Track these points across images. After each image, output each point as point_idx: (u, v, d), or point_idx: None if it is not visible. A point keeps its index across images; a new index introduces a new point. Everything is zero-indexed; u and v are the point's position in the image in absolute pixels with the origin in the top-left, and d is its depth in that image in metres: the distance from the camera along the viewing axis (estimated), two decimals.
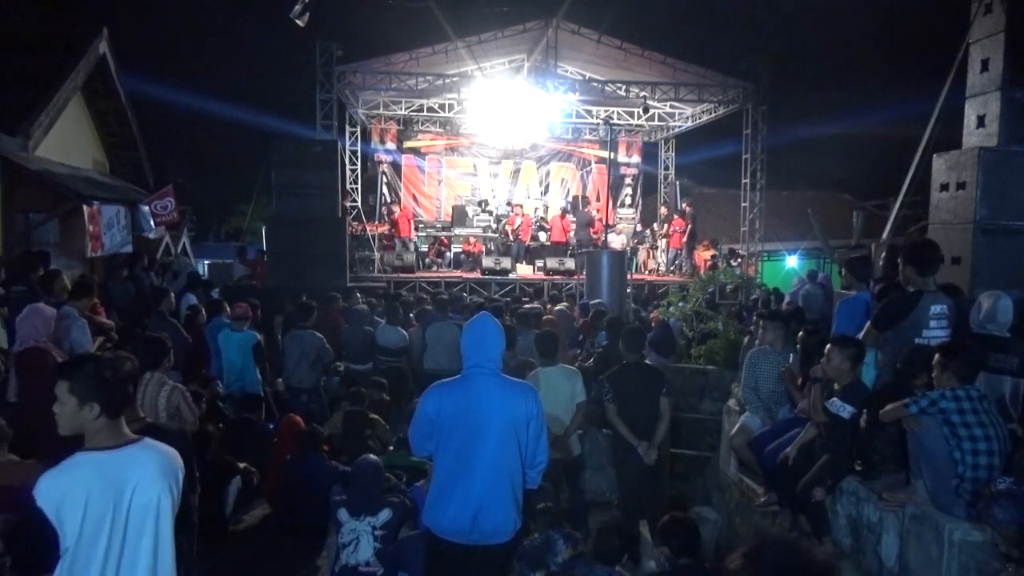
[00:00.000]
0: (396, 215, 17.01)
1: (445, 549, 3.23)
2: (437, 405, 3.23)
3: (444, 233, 17.23)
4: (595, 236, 16.03)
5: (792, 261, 19.55)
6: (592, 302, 9.26)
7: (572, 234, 16.70)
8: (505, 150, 19.11)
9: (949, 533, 3.34)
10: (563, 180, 19.60)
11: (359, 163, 17.21)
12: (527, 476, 3.31)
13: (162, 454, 2.41)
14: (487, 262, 15.12)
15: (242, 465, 5.60)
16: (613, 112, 17.80)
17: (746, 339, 8.14)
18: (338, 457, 5.57)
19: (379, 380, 7.15)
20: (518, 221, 16.42)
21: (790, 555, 1.27)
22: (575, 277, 14.47)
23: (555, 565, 3.83)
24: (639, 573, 4.64)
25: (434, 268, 16.38)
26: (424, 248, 17.06)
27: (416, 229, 17.07)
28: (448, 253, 17.08)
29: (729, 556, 1.35)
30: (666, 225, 17.15)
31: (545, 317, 8.65)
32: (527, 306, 9.44)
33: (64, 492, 2.21)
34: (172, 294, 7.72)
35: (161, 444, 2.46)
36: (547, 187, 19.45)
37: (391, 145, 18.64)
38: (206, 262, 20.63)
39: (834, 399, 4.10)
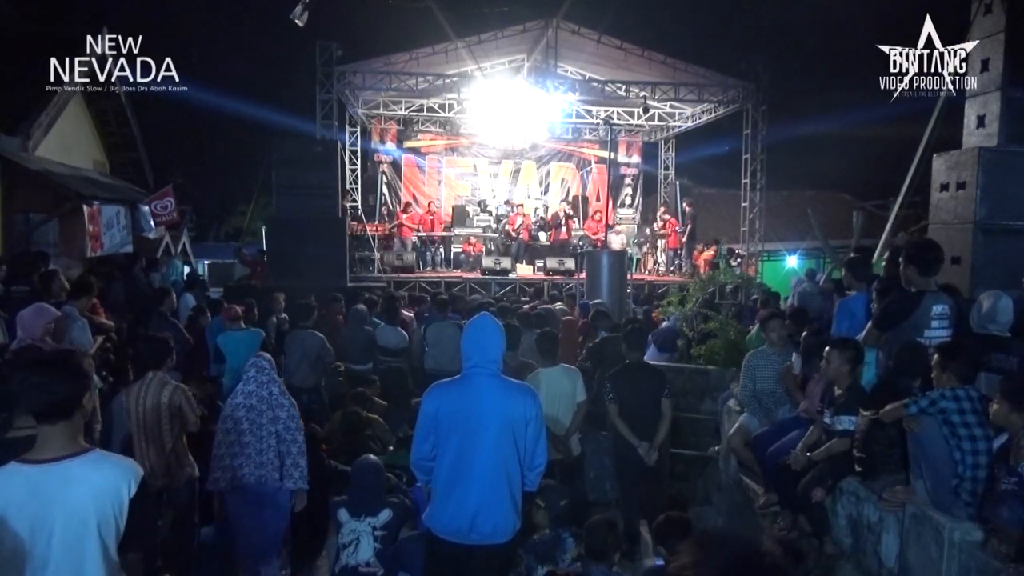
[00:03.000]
0: (404, 218, 16.90)
1: (445, 549, 3.24)
2: (436, 405, 3.24)
3: (444, 233, 17.21)
4: (565, 237, 16.19)
5: (792, 261, 19.55)
6: (592, 302, 9.25)
7: (572, 233, 16.76)
8: (505, 150, 19.09)
9: (949, 533, 3.34)
10: (563, 180, 19.58)
11: (359, 163, 17.22)
12: (526, 478, 3.31)
13: (106, 471, 2.20)
14: (487, 262, 15.12)
15: None
16: (613, 112, 17.80)
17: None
18: (338, 457, 5.57)
19: (372, 378, 7.15)
20: (518, 221, 16.42)
21: (738, 550, 1.26)
22: (575, 277, 14.47)
23: (562, 562, 3.83)
24: (637, 572, 4.64)
25: (430, 268, 16.36)
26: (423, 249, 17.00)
27: (415, 229, 16.98)
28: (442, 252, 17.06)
29: (675, 554, 1.34)
30: (662, 223, 17.12)
31: (566, 318, 8.65)
32: (557, 307, 9.47)
33: None
34: (173, 294, 7.73)
35: (113, 458, 2.30)
36: (547, 187, 19.44)
37: (391, 145, 18.64)
38: (206, 262, 20.63)
39: (839, 417, 4.10)
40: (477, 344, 3.30)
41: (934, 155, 7.18)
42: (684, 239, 16.39)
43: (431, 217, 16.99)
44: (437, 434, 3.23)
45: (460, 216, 17.47)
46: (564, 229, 16.41)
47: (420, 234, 16.75)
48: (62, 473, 2.14)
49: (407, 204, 17.79)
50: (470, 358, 3.30)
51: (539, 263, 15.84)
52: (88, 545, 2.13)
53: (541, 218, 17.43)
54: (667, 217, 16.91)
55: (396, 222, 16.58)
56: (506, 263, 15.08)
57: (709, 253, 16.09)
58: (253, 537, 4.11)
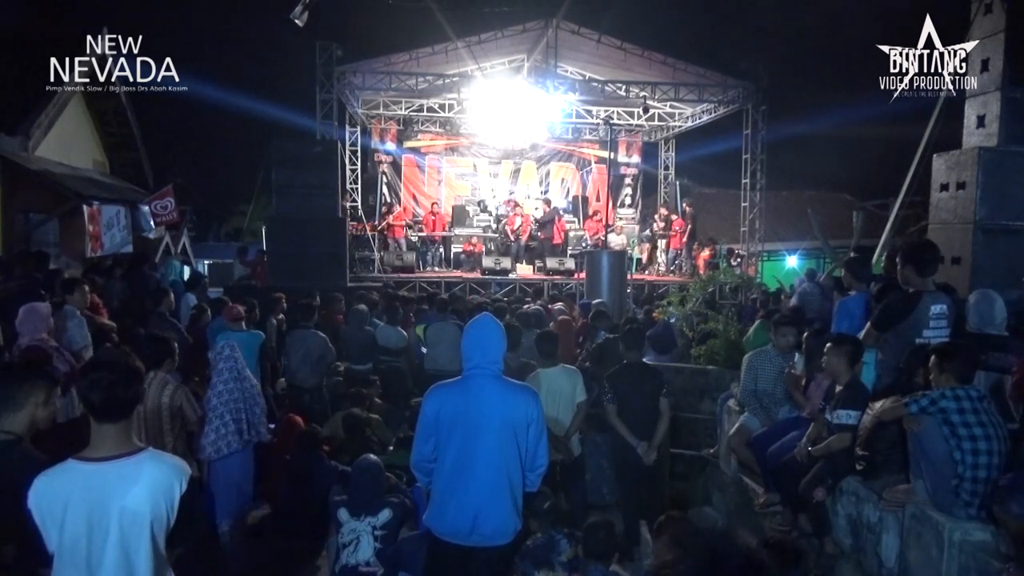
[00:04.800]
0: (389, 218, 16.84)
1: (445, 550, 3.24)
2: (437, 406, 3.22)
3: (444, 233, 17.19)
4: (555, 234, 16.02)
5: (792, 261, 19.56)
6: (593, 302, 9.25)
7: (571, 233, 16.73)
8: (505, 150, 19.09)
9: (949, 533, 3.34)
10: (563, 180, 19.59)
11: (359, 163, 17.21)
12: (527, 479, 3.30)
13: (159, 469, 2.29)
14: (487, 262, 15.11)
15: None
16: (613, 112, 17.80)
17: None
18: (338, 457, 5.57)
19: (372, 378, 7.16)
20: (518, 221, 16.41)
21: (713, 547, 1.26)
22: (575, 277, 14.47)
23: (558, 564, 3.83)
24: (637, 572, 4.64)
25: (430, 268, 16.34)
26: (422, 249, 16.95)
27: (409, 228, 16.93)
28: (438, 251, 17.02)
29: (657, 550, 1.35)
30: (664, 224, 17.14)
31: (561, 318, 8.66)
32: (556, 307, 9.48)
33: (46, 499, 2.18)
34: (172, 294, 7.72)
35: (165, 457, 2.38)
36: (547, 187, 19.44)
37: (391, 145, 18.64)
38: (206, 262, 20.63)
39: (838, 411, 4.11)
40: (478, 345, 3.28)
41: (934, 155, 7.18)
42: (684, 239, 16.40)
43: (434, 217, 16.96)
44: (438, 436, 3.21)
45: (460, 216, 17.46)
46: (540, 232, 16.22)
47: (420, 234, 16.74)
48: (119, 471, 2.21)
49: (391, 205, 17.74)
50: (470, 359, 3.28)
51: (539, 263, 15.84)
52: (142, 541, 2.21)
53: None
54: (673, 217, 16.91)
55: (384, 223, 16.52)
56: (506, 263, 15.07)
57: (707, 253, 16.10)
58: (234, 491, 4.73)
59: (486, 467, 3.16)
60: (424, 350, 7.74)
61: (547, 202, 17.03)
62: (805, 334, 5.36)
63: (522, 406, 3.22)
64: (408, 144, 18.79)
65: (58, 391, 2.85)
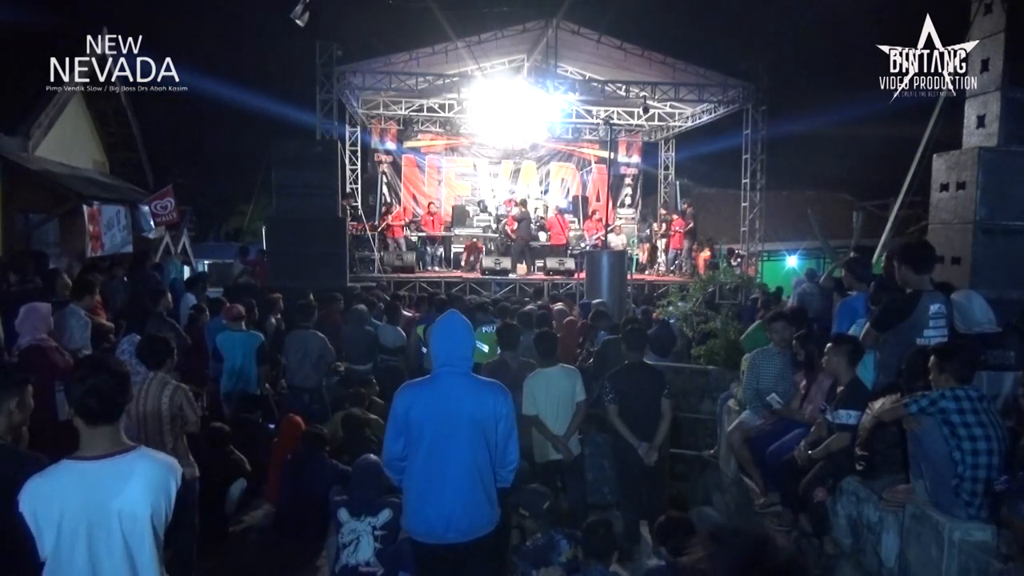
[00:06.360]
0: (391, 218, 16.81)
1: (426, 550, 3.24)
2: (407, 405, 3.21)
3: (444, 233, 17.19)
4: (534, 233, 15.95)
5: (792, 261, 19.54)
6: (593, 302, 9.24)
7: (571, 233, 16.70)
8: (505, 150, 19.09)
9: (949, 533, 3.34)
10: (563, 180, 19.59)
11: (359, 163, 17.20)
12: (498, 475, 3.30)
13: (156, 466, 2.28)
14: (487, 262, 15.11)
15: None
16: (613, 112, 17.79)
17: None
18: (339, 457, 5.57)
19: (369, 379, 7.16)
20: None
21: (752, 545, 1.26)
22: (575, 277, 14.46)
23: (558, 564, 3.84)
24: (637, 572, 4.64)
25: (430, 268, 16.34)
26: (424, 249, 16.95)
27: (407, 228, 16.89)
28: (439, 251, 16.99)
29: (689, 548, 1.35)
30: (665, 224, 17.16)
31: (566, 319, 8.65)
32: (557, 307, 9.50)
33: (42, 500, 2.15)
34: (169, 294, 7.72)
35: (158, 454, 2.36)
36: (547, 187, 19.44)
37: (391, 145, 18.63)
38: (206, 262, 20.62)
39: (838, 411, 4.12)
40: (445, 343, 3.27)
41: (934, 155, 7.17)
42: (684, 239, 16.39)
43: (431, 217, 16.94)
44: (408, 434, 3.20)
45: (460, 216, 17.45)
46: (510, 230, 16.03)
47: (419, 234, 16.73)
48: (115, 469, 2.21)
49: (391, 205, 17.70)
50: (438, 357, 3.27)
51: (539, 263, 15.83)
52: (144, 539, 2.21)
53: (541, 218, 17.40)
54: (673, 217, 16.90)
55: (383, 223, 16.48)
56: (506, 263, 15.07)
57: (707, 253, 16.10)
58: None
59: (457, 465, 3.15)
60: (424, 350, 7.74)
61: (522, 203, 16.89)
62: (799, 333, 5.37)
63: (491, 403, 3.21)
64: (408, 144, 18.79)
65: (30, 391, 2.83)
